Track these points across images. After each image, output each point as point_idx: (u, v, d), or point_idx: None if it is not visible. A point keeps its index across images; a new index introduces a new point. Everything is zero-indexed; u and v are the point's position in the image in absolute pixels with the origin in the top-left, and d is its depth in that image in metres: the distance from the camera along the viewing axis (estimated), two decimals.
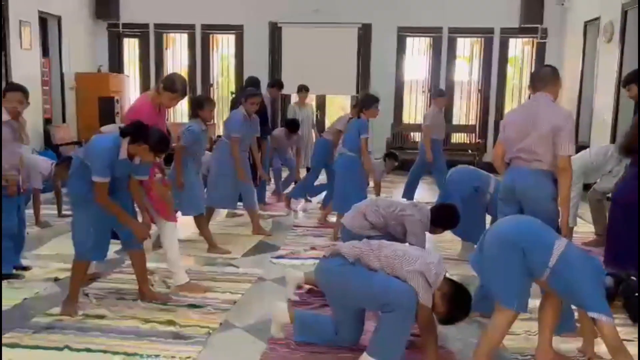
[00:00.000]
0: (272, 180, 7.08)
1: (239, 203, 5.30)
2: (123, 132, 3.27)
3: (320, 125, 10.51)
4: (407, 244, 3.61)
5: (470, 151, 9.88)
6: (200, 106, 4.64)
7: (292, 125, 6.86)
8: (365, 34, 9.92)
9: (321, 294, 3.54)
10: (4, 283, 3.80)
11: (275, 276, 4.08)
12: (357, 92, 10.06)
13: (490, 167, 4.08)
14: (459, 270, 4.24)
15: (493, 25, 9.66)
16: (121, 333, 3.11)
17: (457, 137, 10.45)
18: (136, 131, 3.26)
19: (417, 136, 9.94)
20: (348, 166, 5.19)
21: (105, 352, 2.88)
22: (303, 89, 7.88)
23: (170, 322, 3.25)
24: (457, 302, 2.71)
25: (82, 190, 3.30)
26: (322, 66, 9.84)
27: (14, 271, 3.99)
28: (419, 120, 9.90)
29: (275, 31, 9.98)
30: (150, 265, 4.11)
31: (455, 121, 10.33)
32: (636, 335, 3.01)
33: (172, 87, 3.84)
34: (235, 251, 4.70)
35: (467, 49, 10.32)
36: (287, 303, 3.21)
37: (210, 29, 10.12)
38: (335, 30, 9.90)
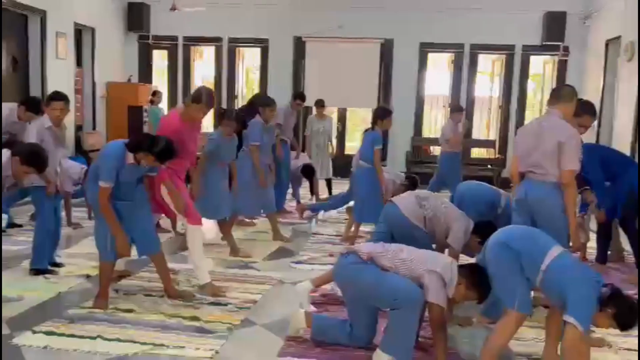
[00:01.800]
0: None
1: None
2: (128, 147, 3.49)
3: (341, 137, 10.72)
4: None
5: (490, 166, 9.97)
6: (222, 118, 4.91)
7: (308, 172, 6.96)
8: (387, 49, 10.12)
9: (335, 298, 3.72)
10: (41, 278, 4.06)
11: (294, 279, 4.23)
12: (378, 105, 10.24)
13: (509, 183, 4.15)
14: None
15: (515, 42, 9.76)
16: (149, 326, 3.31)
17: (477, 152, 10.56)
18: (138, 145, 3.46)
19: (436, 150, 10.06)
20: (366, 177, 5.36)
21: (134, 342, 3.08)
22: (320, 103, 8.12)
23: (195, 318, 3.45)
24: (482, 282, 2.85)
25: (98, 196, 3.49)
26: (344, 80, 10.06)
27: (49, 267, 4.24)
28: (438, 134, 10.05)
29: (299, 45, 10.23)
30: (174, 265, 4.36)
31: (475, 136, 10.43)
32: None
33: (198, 98, 3.98)
34: (257, 255, 4.90)
35: (488, 65, 10.44)
36: (305, 311, 3.30)
37: (236, 42, 10.42)
38: (358, 45, 10.12)
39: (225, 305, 3.69)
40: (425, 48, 10.04)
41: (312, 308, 3.45)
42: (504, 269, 2.74)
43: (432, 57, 10.24)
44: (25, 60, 7.96)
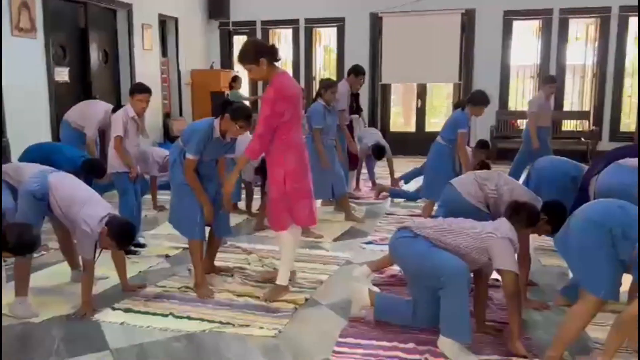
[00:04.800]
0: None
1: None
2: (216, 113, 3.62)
3: (420, 113, 10.46)
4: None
5: (583, 139, 9.31)
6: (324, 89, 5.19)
7: (379, 152, 6.72)
8: (469, 20, 9.69)
9: (402, 279, 3.66)
10: None
11: (362, 260, 4.19)
12: (460, 79, 9.88)
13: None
14: (553, 260, 4.14)
15: (610, 3, 8.98)
16: (217, 304, 3.44)
17: (569, 125, 9.90)
18: (224, 105, 3.60)
19: (523, 123, 9.55)
20: (440, 155, 5.20)
21: (202, 320, 3.21)
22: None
23: (263, 299, 3.53)
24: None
25: (183, 178, 3.61)
26: (423, 54, 9.78)
27: (132, 247, 4.52)
28: (526, 107, 9.52)
29: (376, 22, 10.05)
30: (248, 246, 4.51)
31: (566, 107, 9.77)
32: None
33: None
34: (327, 235, 4.92)
35: (580, 30, 9.69)
36: (369, 289, 3.28)
37: (313, 23, 10.43)
38: (438, 17, 9.77)
39: (291, 284, 3.75)
40: (510, 16, 9.50)
41: (375, 289, 3.42)
42: (595, 252, 2.49)
43: (517, 25, 9.67)
44: (115, 53, 8.44)
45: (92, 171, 4.78)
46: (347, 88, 6.01)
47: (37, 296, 3.46)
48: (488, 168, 5.00)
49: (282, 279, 3.59)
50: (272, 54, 3.37)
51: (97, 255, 3.34)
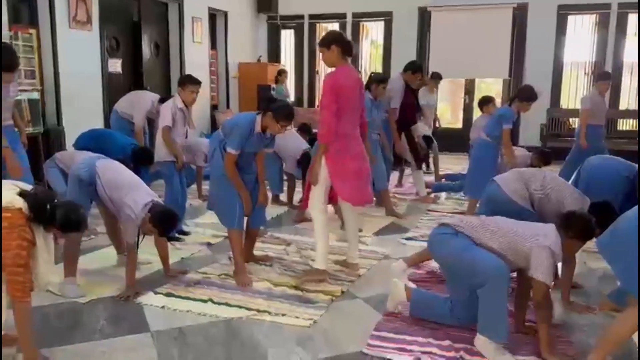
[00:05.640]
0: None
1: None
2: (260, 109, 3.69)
3: (468, 109, 10.27)
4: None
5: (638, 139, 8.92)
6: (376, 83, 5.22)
7: (427, 142, 6.63)
8: (521, 14, 9.43)
9: (440, 276, 3.62)
10: (168, 244, 4.45)
11: (401, 256, 4.18)
12: (510, 75, 9.63)
13: None
14: (600, 262, 3.99)
15: None
16: (255, 292, 3.50)
17: (624, 124, 9.50)
18: (267, 102, 3.67)
19: (575, 122, 9.23)
20: (484, 152, 5.09)
21: (240, 307, 3.27)
22: (438, 76, 7.82)
23: (298, 287, 3.57)
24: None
25: (222, 168, 3.67)
26: (472, 50, 9.58)
27: (176, 235, 4.64)
28: (579, 105, 9.20)
29: (424, 16, 9.92)
30: (288, 237, 4.56)
31: (622, 106, 9.38)
32: None
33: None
34: (367, 230, 4.91)
35: None
36: (405, 284, 3.28)
37: (360, 17, 10.38)
38: (488, 11, 9.56)
39: (329, 277, 3.77)
40: (564, 10, 9.19)
41: (412, 285, 3.39)
42: None
43: (572, 19, 9.34)
44: (166, 46, 8.66)
45: (140, 159, 4.95)
46: (402, 84, 5.82)
47: (84, 277, 3.61)
48: (547, 159, 5.01)
49: (318, 263, 3.75)
50: (344, 46, 3.65)
51: (140, 240, 3.44)
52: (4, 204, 2.41)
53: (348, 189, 3.71)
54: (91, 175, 3.52)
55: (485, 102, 6.62)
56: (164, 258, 3.79)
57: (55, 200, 2.57)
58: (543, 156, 5.82)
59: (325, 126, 3.58)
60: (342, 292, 3.54)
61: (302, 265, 4.01)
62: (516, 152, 5.36)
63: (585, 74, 9.57)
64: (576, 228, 2.77)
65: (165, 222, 3.35)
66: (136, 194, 3.40)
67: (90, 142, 5.01)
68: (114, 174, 3.55)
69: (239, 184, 3.67)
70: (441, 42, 9.85)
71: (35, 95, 5.94)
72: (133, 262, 3.47)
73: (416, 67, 5.93)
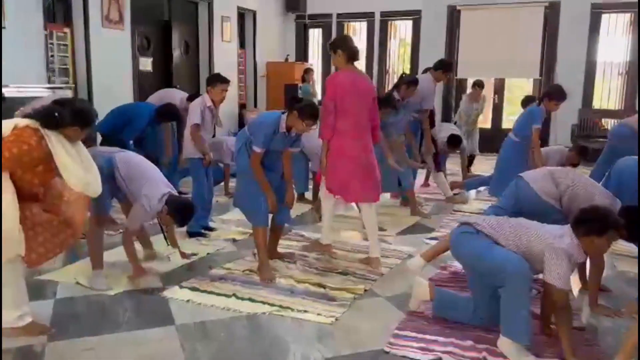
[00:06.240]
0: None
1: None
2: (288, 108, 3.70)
3: (497, 109, 10.13)
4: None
5: None
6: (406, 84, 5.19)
7: (455, 142, 6.49)
8: (552, 12, 9.27)
9: (464, 278, 3.59)
10: (194, 240, 4.53)
11: None
12: (541, 75, 9.47)
13: None
14: (630, 265, 3.91)
15: None
16: (279, 289, 3.52)
17: None
18: (292, 101, 3.71)
19: (608, 123, 9.04)
20: (511, 151, 5.03)
21: (264, 303, 3.30)
22: (480, 84, 7.73)
23: (321, 285, 3.59)
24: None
25: (248, 165, 3.69)
26: (502, 49, 9.48)
27: (202, 230, 4.71)
28: (612, 105, 9.03)
29: (453, 15, 9.83)
30: (311, 234, 4.60)
31: None
32: None
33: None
34: (391, 229, 4.90)
35: None
36: (429, 283, 3.25)
37: (388, 16, 10.34)
38: (519, 10, 9.42)
39: (352, 275, 3.78)
40: (598, 9, 8.99)
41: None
42: None
43: (605, 18, 9.13)
44: (196, 45, 8.79)
45: (166, 115, 5.15)
46: (434, 85, 5.74)
47: (111, 270, 3.70)
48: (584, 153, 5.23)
49: (322, 238, 4.18)
50: (348, 51, 3.88)
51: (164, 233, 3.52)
52: (9, 129, 2.53)
53: (337, 183, 3.94)
54: (109, 168, 3.50)
55: (530, 101, 6.49)
56: (172, 241, 3.97)
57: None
58: (581, 151, 5.64)
59: (322, 123, 3.86)
60: (365, 290, 3.54)
61: (325, 263, 4.02)
62: (553, 148, 5.22)
63: (619, 74, 9.34)
64: (588, 223, 2.61)
65: (182, 211, 3.45)
66: (153, 185, 3.46)
67: (115, 119, 5.25)
68: (133, 164, 3.57)
69: (264, 183, 3.68)
70: (470, 41, 9.75)
71: (69, 93, 6.09)
72: (130, 245, 3.58)
73: (448, 66, 5.85)
